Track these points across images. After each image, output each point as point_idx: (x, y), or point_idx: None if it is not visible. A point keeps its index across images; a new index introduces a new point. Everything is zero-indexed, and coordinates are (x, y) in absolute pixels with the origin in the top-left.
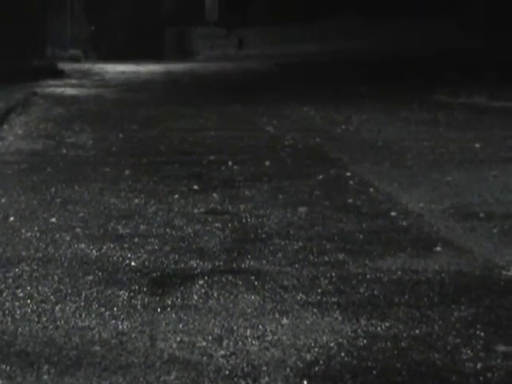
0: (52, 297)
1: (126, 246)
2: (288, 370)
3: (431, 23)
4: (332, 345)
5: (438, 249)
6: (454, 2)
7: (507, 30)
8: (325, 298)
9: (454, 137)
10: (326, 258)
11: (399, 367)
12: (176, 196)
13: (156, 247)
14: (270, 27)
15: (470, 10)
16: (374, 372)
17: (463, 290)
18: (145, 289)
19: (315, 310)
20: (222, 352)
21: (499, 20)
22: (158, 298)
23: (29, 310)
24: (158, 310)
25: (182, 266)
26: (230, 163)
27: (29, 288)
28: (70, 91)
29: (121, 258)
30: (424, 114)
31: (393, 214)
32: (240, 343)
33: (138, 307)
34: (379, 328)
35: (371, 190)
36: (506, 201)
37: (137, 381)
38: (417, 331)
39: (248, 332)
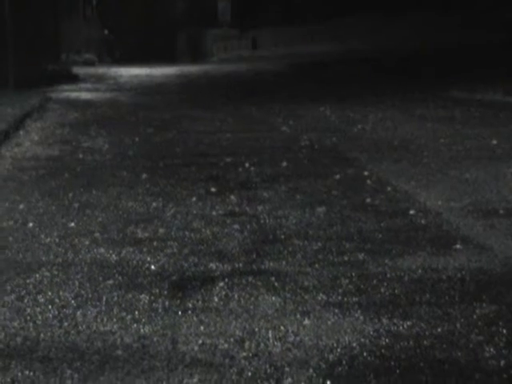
0: (73, 302)
1: (145, 249)
2: (311, 370)
3: (444, 20)
4: (354, 345)
5: (458, 246)
6: None
7: None
8: (346, 298)
9: (471, 134)
10: (346, 258)
11: (422, 366)
12: (194, 199)
13: (175, 250)
14: (283, 28)
15: (483, 7)
16: (397, 371)
17: (484, 288)
18: (165, 292)
19: (336, 311)
20: (244, 354)
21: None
22: (178, 301)
23: (50, 316)
24: (179, 313)
25: (202, 268)
26: (246, 165)
27: (50, 293)
28: (84, 95)
29: (140, 262)
30: (440, 111)
31: (411, 212)
32: (262, 345)
33: (159, 311)
34: (401, 327)
35: (389, 188)
36: None
37: None
38: (439, 329)
39: (270, 333)
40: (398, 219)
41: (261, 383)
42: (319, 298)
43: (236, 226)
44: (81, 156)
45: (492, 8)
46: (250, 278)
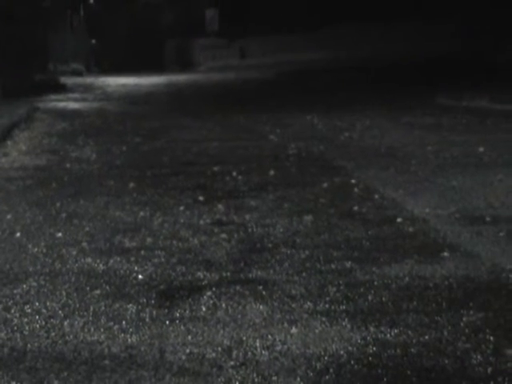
0: (60, 312)
1: (132, 259)
2: (298, 379)
3: (430, 28)
4: (342, 353)
5: (445, 254)
6: (452, 7)
7: (507, 34)
8: (333, 307)
9: (458, 141)
10: (333, 266)
11: (409, 374)
12: (181, 208)
13: (163, 260)
14: (270, 37)
15: (468, 15)
16: (385, 379)
17: (471, 295)
18: (153, 301)
19: (324, 319)
20: (232, 363)
21: (498, 24)
22: (166, 311)
23: (37, 326)
24: (167, 322)
25: (190, 277)
26: (234, 173)
27: (37, 303)
28: (72, 105)
29: (128, 272)
30: (427, 118)
31: (399, 220)
32: (249, 353)
33: (147, 320)
34: (388, 335)
35: (376, 196)
36: (511, 204)
37: None
38: (426, 337)
39: (257, 342)
40: (385, 227)
41: None
42: (306, 307)
43: (223, 235)
44: (68, 166)
45: (478, 16)
46: (238, 287)
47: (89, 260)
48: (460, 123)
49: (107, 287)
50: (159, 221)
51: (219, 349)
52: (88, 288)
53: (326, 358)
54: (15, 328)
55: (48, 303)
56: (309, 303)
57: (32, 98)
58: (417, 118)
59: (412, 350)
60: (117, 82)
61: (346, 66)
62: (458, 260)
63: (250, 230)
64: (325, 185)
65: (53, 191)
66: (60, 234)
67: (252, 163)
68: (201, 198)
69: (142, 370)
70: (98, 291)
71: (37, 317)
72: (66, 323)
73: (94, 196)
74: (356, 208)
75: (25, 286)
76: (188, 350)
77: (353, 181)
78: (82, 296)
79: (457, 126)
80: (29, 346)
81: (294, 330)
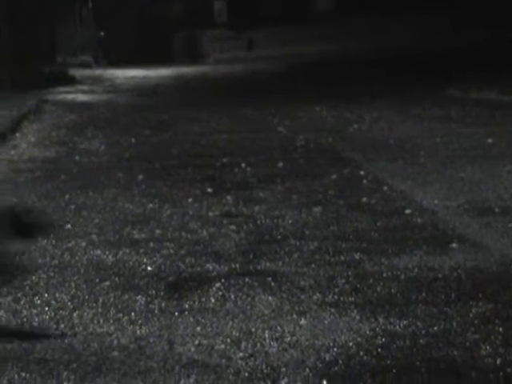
0: (69, 303)
1: (141, 250)
2: (307, 370)
3: (439, 19)
4: (351, 344)
5: (454, 245)
6: None
7: None
8: (342, 298)
9: (467, 133)
10: (342, 258)
11: (418, 365)
12: (190, 199)
13: (172, 251)
14: (279, 28)
15: (478, 6)
16: (394, 370)
17: (480, 286)
18: (162, 293)
19: (333, 310)
20: (241, 354)
21: (508, 16)
22: (175, 302)
23: (47, 318)
24: (176, 313)
25: (199, 269)
26: (243, 165)
27: (46, 295)
28: (81, 97)
29: (137, 263)
30: (436, 110)
31: (407, 211)
32: (258, 345)
33: (156, 312)
34: (397, 326)
35: (385, 188)
36: None
37: None
38: (435, 328)
39: (266, 333)
40: (394, 218)
41: (257, 383)
42: (315, 298)
43: (232, 227)
44: (77, 158)
45: (486, 6)
46: (247, 279)
47: (98, 252)
48: (469, 115)
49: (116, 279)
50: (168, 213)
51: (228, 340)
52: (97, 280)
53: (335, 349)
54: (25, 319)
55: (57, 295)
56: (318, 294)
57: (41, 90)
58: (426, 110)
59: (421, 341)
60: (125, 74)
61: (354, 57)
62: (466, 251)
63: (258, 221)
64: (333, 176)
65: (62, 183)
66: (69, 226)
67: (261, 155)
68: (209, 190)
69: (151, 361)
70: (107, 283)
71: (46, 308)
72: (75, 315)
73: (102, 188)
74: (365, 199)
75: (34, 277)
76: (197, 342)
77: (361, 172)
78: (92, 288)
79: (466, 118)
80: (38, 337)
81: (303, 321)
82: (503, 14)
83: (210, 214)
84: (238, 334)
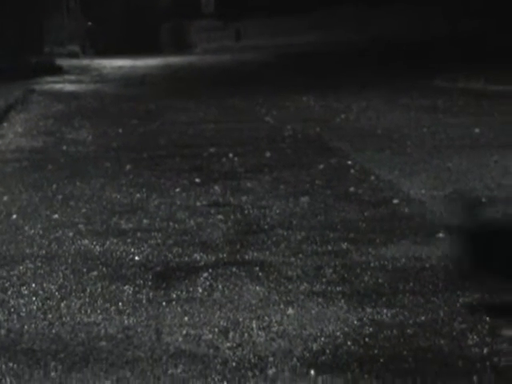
0: (57, 293)
1: (129, 240)
2: (295, 360)
3: (425, 9)
4: (338, 334)
5: (441, 235)
6: None
7: (503, 16)
8: (329, 288)
9: (454, 122)
10: (330, 248)
11: (406, 354)
12: (178, 189)
13: (159, 241)
14: (266, 19)
15: None
16: (381, 360)
17: (467, 276)
18: (149, 283)
19: (320, 300)
20: (229, 344)
21: (495, 6)
22: (162, 292)
23: (34, 308)
24: (163, 303)
25: (186, 259)
26: (230, 155)
27: (33, 285)
28: (68, 87)
29: (124, 253)
30: (423, 100)
31: (395, 201)
32: (246, 335)
33: (143, 301)
34: (385, 316)
35: (372, 178)
36: (507, 185)
37: (144, 375)
38: (422, 318)
39: (254, 323)
40: (381, 208)
41: (245, 373)
42: (303, 288)
43: (220, 217)
44: (64, 148)
45: None
46: (234, 269)
47: (85, 242)
48: (456, 105)
49: (104, 269)
50: (155, 202)
51: (216, 330)
52: (85, 269)
53: (322, 338)
54: (12, 309)
55: (45, 285)
56: (305, 284)
57: (28, 80)
58: (413, 100)
59: (408, 330)
60: (113, 64)
61: (342, 48)
62: (453, 241)
63: (246, 211)
64: (321, 166)
65: (49, 173)
66: (56, 216)
67: (248, 145)
68: (197, 180)
69: (139, 351)
70: (94, 273)
71: (33, 298)
72: (62, 305)
73: (90, 178)
74: (352, 189)
75: (21, 267)
76: (184, 331)
77: (349, 162)
78: (79, 277)
79: (453, 108)
80: (26, 327)
81: (290, 311)
82: (491, 4)
83: (198, 203)
84: (225, 324)
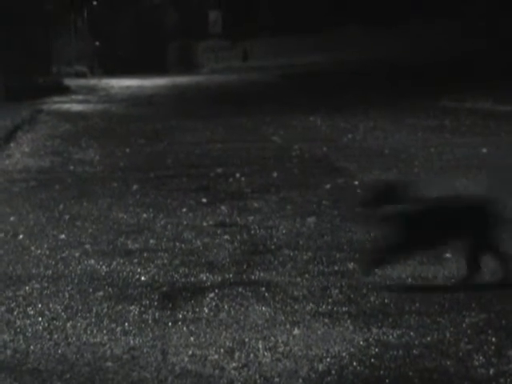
0: (63, 313)
1: (135, 260)
2: (301, 380)
3: (431, 30)
4: (344, 354)
5: (448, 255)
6: (456, 8)
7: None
8: (336, 308)
9: (461, 142)
10: (336, 268)
11: (411, 375)
12: (184, 209)
13: (165, 261)
14: (274, 39)
15: (472, 16)
16: (387, 381)
17: (474, 296)
18: (155, 303)
19: (326, 320)
20: (234, 364)
21: (501, 25)
22: (168, 312)
23: (40, 328)
24: (169, 324)
25: (192, 279)
26: (237, 175)
27: (40, 305)
28: (76, 107)
29: (131, 273)
30: (430, 120)
31: None
32: (252, 355)
33: (149, 322)
34: (391, 336)
35: None
36: None
37: None
38: (428, 338)
39: (260, 344)
40: None
41: None
42: (309, 308)
43: (226, 237)
44: (72, 168)
45: (481, 16)
46: (241, 289)
47: (92, 262)
48: (463, 125)
49: (110, 289)
50: (162, 223)
51: (221, 350)
52: (91, 290)
53: (328, 359)
54: (18, 330)
55: (51, 305)
56: (311, 305)
57: (35, 100)
58: (420, 120)
59: (414, 351)
60: (120, 83)
61: (348, 67)
62: (460, 261)
63: (252, 231)
64: (328, 186)
65: (56, 193)
66: (63, 236)
67: (255, 165)
68: (204, 200)
69: (145, 371)
70: (100, 293)
71: (40, 318)
72: (68, 325)
73: (97, 198)
74: (359, 210)
75: (28, 287)
76: (190, 352)
77: (356, 182)
78: (85, 298)
79: (460, 128)
80: (32, 347)
81: (296, 331)
82: (496, 24)
83: (204, 223)
84: (231, 344)
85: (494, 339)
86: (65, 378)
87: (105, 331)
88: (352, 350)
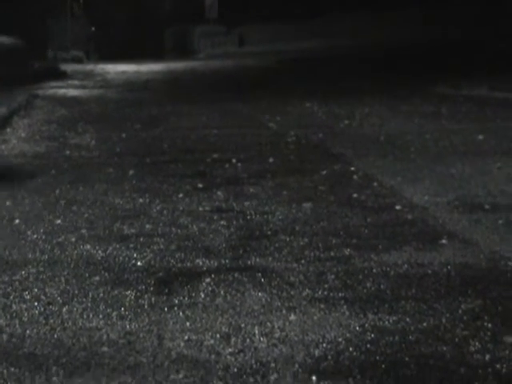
0: (59, 298)
1: (131, 245)
2: (296, 366)
3: (428, 16)
4: (340, 340)
5: (444, 241)
6: None
7: (505, 21)
8: (332, 294)
9: (457, 129)
10: (332, 254)
11: (407, 361)
12: (180, 195)
13: (162, 246)
14: (270, 24)
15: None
16: (383, 366)
17: (470, 283)
18: (151, 288)
19: (322, 306)
20: (230, 350)
21: (497, 11)
22: (164, 298)
23: (36, 312)
24: (165, 309)
25: (188, 264)
26: (233, 161)
27: (36, 290)
28: (72, 92)
29: (127, 258)
30: (426, 106)
31: (397, 207)
32: (248, 340)
33: (145, 307)
34: (387, 322)
35: (375, 184)
36: (510, 192)
37: (145, 380)
38: (424, 324)
39: (256, 329)
40: (384, 214)
41: (247, 379)
42: (305, 294)
43: (223, 222)
44: (68, 153)
45: (475, 2)
46: (237, 274)
47: (88, 247)
48: (459, 111)
49: (106, 274)
50: (158, 208)
51: (217, 335)
52: (87, 275)
53: (324, 344)
54: (14, 314)
55: (47, 290)
56: (307, 290)
57: (31, 85)
58: (416, 107)
59: (410, 337)
60: (116, 69)
61: (344, 54)
62: (456, 247)
63: (249, 217)
64: (324, 172)
65: (52, 178)
66: (59, 221)
67: (251, 150)
68: (200, 185)
69: (141, 356)
70: (96, 278)
71: (36, 303)
72: (64, 310)
73: (93, 183)
74: (355, 195)
75: (23, 272)
76: (186, 337)
77: (352, 168)
78: (81, 282)
79: (456, 115)
80: (28, 332)
81: (292, 316)
82: (495, 11)
83: (201, 209)
84: (227, 330)
85: (489, 325)
86: (61, 363)
87: (101, 316)
88: (348, 335)
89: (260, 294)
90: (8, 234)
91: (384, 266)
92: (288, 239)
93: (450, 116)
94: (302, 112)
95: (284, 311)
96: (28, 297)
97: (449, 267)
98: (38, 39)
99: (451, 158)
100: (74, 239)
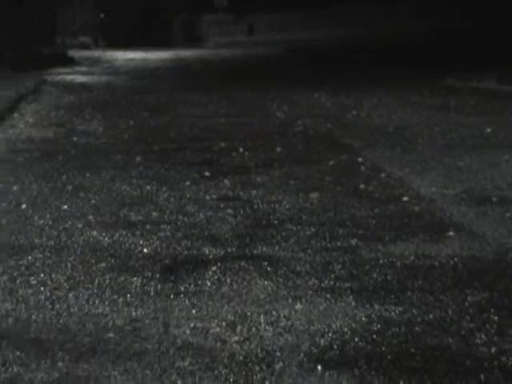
0: (65, 284)
1: (138, 232)
2: (302, 355)
3: (438, 7)
4: (346, 330)
5: (451, 233)
6: None
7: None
8: (338, 284)
9: (465, 121)
10: (339, 244)
11: (413, 352)
12: (188, 183)
13: (168, 234)
14: (279, 13)
15: None
16: (388, 357)
17: (476, 275)
18: (157, 275)
19: (328, 296)
20: (236, 338)
21: (507, 3)
22: (170, 285)
23: (42, 298)
24: (171, 296)
25: (195, 252)
26: (240, 149)
27: (42, 275)
28: (80, 79)
29: (133, 245)
30: (435, 98)
31: (405, 199)
32: (253, 329)
33: (151, 294)
34: (393, 313)
35: (383, 175)
36: None
37: (151, 367)
38: (430, 316)
39: (261, 318)
40: (391, 205)
41: (252, 367)
42: (311, 283)
43: (229, 211)
44: (75, 139)
45: None
46: (243, 263)
47: (94, 233)
48: (468, 104)
49: (112, 260)
50: (165, 195)
51: (223, 323)
52: (93, 261)
53: (329, 334)
54: (20, 299)
55: (53, 275)
56: (314, 280)
57: (40, 71)
58: (425, 98)
59: (416, 328)
60: (124, 56)
61: (354, 43)
62: (463, 240)
63: (255, 206)
64: (331, 162)
65: (59, 164)
66: (66, 207)
67: (259, 140)
68: (207, 174)
69: (146, 343)
70: (103, 264)
71: (42, 288)
72: (70, 295)
73: (100, 169)
74: (362, 186)
75: (30, 257)
76: (192, 324)
77: (359, 159)
78: (87, 269)
79: (464, 107)
80: (33, 317)
81: (298, 306)
82: (505, 3)
83: (207, 197)
84: (233, 318)
85: (496, 318)
86: (66, 348)
87: (107, 302)
88: (354, 325)
89: (266, 282)
90: (15, 219)
91: (391, 257)
92: (295, 228)
93: (458, 108)
94: (309, 102)
95: (290, 300)
96: (34, 282)
97: (455, 259)
98: (47, 25)
99: (459, 151)
100: (80, 225)
